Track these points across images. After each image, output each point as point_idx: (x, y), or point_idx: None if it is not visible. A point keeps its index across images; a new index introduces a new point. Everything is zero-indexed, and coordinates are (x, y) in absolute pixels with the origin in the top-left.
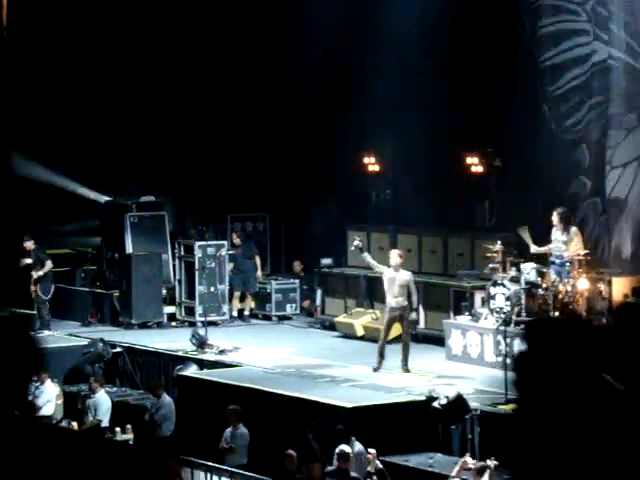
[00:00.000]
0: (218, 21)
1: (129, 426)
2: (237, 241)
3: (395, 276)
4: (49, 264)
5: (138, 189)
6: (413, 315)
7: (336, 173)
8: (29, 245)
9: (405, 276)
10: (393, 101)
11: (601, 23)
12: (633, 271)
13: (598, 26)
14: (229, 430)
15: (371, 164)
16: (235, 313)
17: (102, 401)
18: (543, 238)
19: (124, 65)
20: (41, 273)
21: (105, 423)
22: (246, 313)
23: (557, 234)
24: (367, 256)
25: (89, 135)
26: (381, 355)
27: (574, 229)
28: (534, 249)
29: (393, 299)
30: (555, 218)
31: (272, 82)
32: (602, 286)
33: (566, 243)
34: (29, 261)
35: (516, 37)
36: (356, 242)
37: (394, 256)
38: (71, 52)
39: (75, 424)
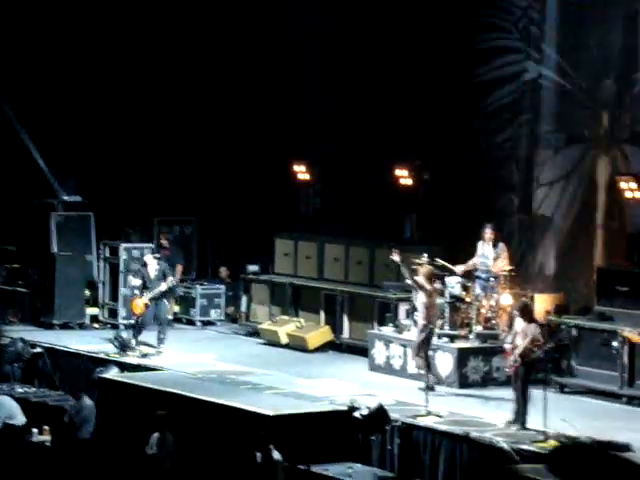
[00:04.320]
0: (158, 26)
1: (47, 427)
2: (165, 242)
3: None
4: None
5: (65, 188)
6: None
7: (265, 180)
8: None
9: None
10: (324, 111)
11: (533, 42)
12: (556, 288)
13: (530, 45)
14: (156, 436)
15: (301, 172)
16: None
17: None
18: (470, 253)
19: (56, 63)
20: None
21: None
22: (169, 317)
23: (486, 249)
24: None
25: (17, 135)
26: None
27: (502, 245)
28: (459, 270)
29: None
30: (488, 233)
31: (204, 87)
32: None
33: (494, 258)
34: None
35: (449, 52)
36: (396, 257)
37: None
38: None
39: None
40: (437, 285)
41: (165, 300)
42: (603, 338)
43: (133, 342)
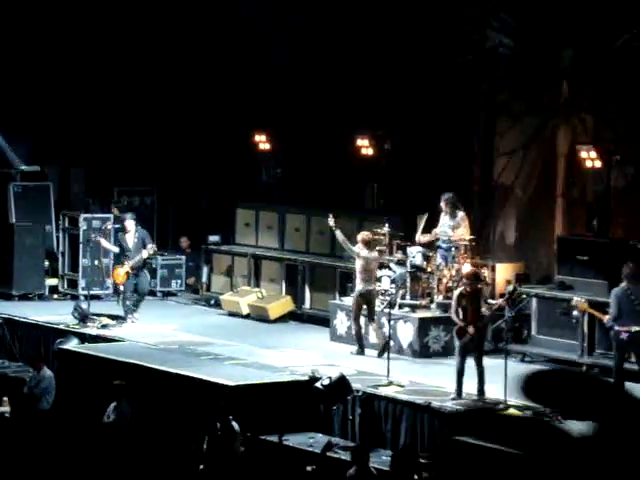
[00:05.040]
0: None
1: (6, 398)
2: (116, 212)
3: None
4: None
5: (23, 158)
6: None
7: (227, 150)
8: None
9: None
10: (285, 81)
11: (493, 10)
12: (516, 258)
13: (490, 13)
14: (113, 405)
15: (262, 142)
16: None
17: None
18: (431, 222)
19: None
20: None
21: None
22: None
23: (445, 219)
24: (339, 235)
25: None
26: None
27: (461, 214)
28: (418, 238)
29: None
30: (442, 203)
31: (166, 56)
32: (486, 272)
33: (453, 228)
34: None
35: (408, 20)
36: (331, 222)
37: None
38: None
39: None
40: (375, 252)
41: (146, 271)
42: (563, 307)
43: (136, 312)
